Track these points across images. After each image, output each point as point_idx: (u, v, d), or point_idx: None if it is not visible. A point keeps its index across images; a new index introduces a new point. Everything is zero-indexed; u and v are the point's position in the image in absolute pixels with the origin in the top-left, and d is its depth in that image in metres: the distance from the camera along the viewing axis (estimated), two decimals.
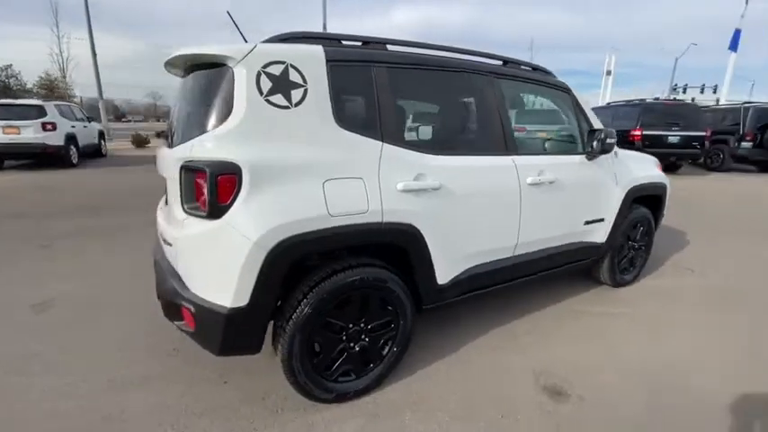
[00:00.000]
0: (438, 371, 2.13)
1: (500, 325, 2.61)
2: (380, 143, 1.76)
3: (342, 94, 1.69)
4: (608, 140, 2.47)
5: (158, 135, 16.19)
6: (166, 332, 2.38)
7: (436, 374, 2.10)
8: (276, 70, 1.56)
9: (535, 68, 2.52)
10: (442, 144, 2.12)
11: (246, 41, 1.96)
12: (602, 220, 2.81)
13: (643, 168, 3.12)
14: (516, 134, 2.31)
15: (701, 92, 32.27)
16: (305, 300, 1.63)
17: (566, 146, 2.61)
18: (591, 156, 2.59)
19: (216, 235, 1.48)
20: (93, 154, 11.37)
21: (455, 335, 2.45)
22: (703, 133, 9.88)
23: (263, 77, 1.54)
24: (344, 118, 1.69)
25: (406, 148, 1.83)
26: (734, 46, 14.58)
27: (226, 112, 1.52)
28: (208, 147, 1.48)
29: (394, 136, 1.81)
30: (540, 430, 1.75)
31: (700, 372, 2.17)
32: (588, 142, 2.59)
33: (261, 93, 1.53)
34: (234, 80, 1.52)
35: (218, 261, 1.51)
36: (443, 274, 2.02)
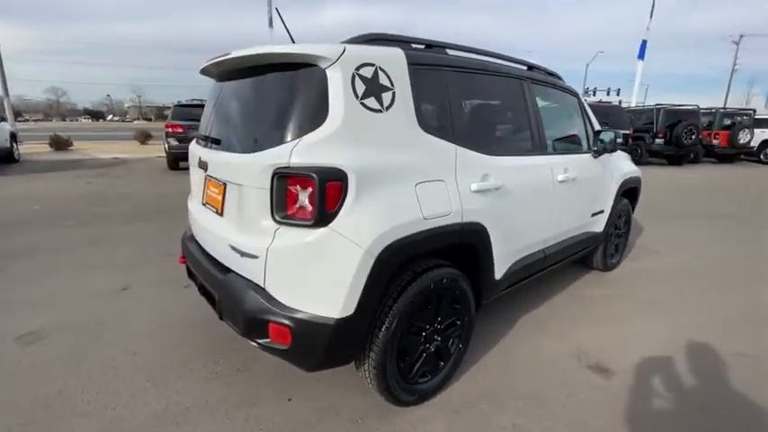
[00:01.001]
0: (489, 364, 2.22)
1: (525, 313, 2.79)
2: (454, 146, 1.80)
3: (421, 97, 1.70)
4: (617, 141, 2.75)
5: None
6: (194, 355, 2.21)
7: (489, 367, 2.19)
8: (368, 73, 1.53)
9: (551, 74, 2.72)
10: (498, 145, 2.21)
11: (294, 41, 1.89)
12: (602, 211, 3.13)
13: (627, 164, 3.52)
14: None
15: (608, 94, 36.52)
16: (396, 305, 1.62)
17: (576, 146, 2.86)
18: (597, 154, 2.87)
19: (322, 244, 1.41)
20: (4, 159, 9.78)
21: (487, 329, 2.56)
22: (628, 131, 11.25)
23: (357, 80, 1.49)
24: (425, 122, 1.70)
25: (473, 150, 1.89)
26: (641, 55, 16.73)
27: (321, 116, 1.45)
28: (310, 153, 1.41)
29: (464, 138, 1.86)
30: (603, 403, 1.92)
31: (701, 335, 2.52)
32: (595, 142, 2.86)
33: (356, 96, 1.49)
34: (328, 82, 1.46)
35: (325, 271, 1.44)
36: (499, 269, 2.12)
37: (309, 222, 1.41)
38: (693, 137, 12.07)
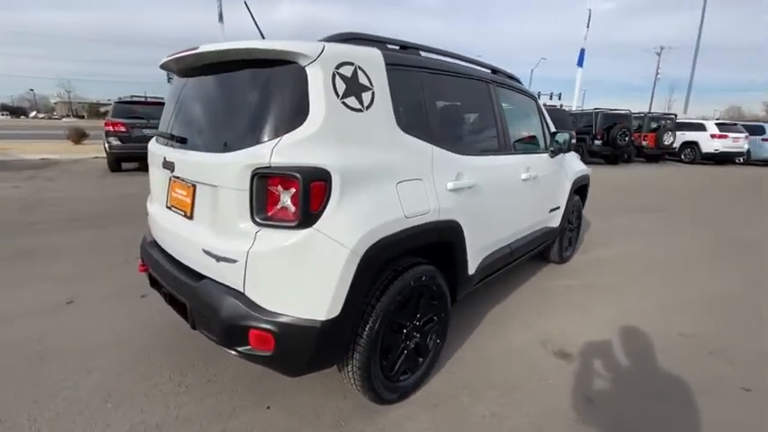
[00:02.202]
0: (464, 357, 2.29)
1: (494, 306, 2.91)
2: (431, 145, 1.84)
3: (398, 98, 1.71)
4: (572, 141, 2.95)
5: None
6: (157, 368, 2.07)
7: (464, 360, 2.26)
8: (348, 72, 1.51)
9: (511, 77, 2.86)
10: (468, 145, 2.28)
11: (264, 37, 1.84)
12: (558, 207, 3.34)
13: (578, 164, 3.79)
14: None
15: (551, 98, 39.10)
16: (379, 303, 1.63)
17: (535, 146, 3.03)
18: (554, 154, 3.06)
19: (306, 245, 1.38)
20: None
21: (460, 323, 2.64)
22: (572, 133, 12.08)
23: (338, 78, 1.48)
24: (402, 122, 1.72)
25: (447, 149, 1.94)
26: (580, 62, 18.04)
27: (301, 115, 1.42)
28: (292, 152, 1.37)
29: (439, 138, 1.90)
30: (570, 384, 2.06)
31: (648, 318, 2.78)
32: (551, 142, 3.05)
33: (337, 95, 1.47)
34: (307, 80, 1.43)
35: (310, 272, 1.40)
36: (472, 265, 2.19)
37: (293, 224, 1.37)
38: (627, 138, 13.23)
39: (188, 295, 1.62)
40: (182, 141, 1.73)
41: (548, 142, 3.10)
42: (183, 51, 1.67)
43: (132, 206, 5.70)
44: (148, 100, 9.43)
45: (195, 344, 2.25)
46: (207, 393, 1.93)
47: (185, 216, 1.72)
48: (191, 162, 1.63)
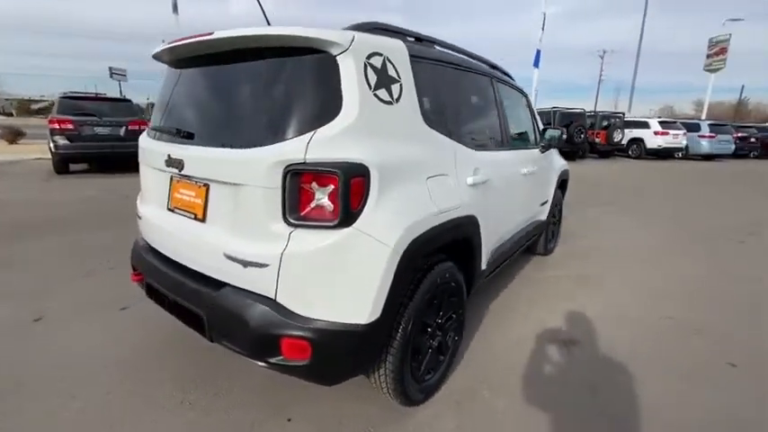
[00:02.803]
0: (474, 350, 2.30)
1: (494, 299, 2.95)
2: (451, 141, 1.81)
3: (421, 92, 1.67)
4: (561, 138, 3.05)
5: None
6: (155, 385, 1.90)
7: (475, 353, 2.27)
8: (377, 62, 1.44)
9: (506, 73, 2.90)
10: (480, 141, 2.28)
11: (270, 24, 1.73)
12: (547, 201, 3.45)
13: (560, 159, 3.93)
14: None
15: None
16: (411, 303, 1.58)
17: (527, 141, 3.10)
18: (544, 149, 3.15)
19: (347, 245, 1.30)
20: None
21: (467, 317, 2.65)
22: (562, 129, 12.68)
23: (369, 69, 1.40)
24: (426, 116, 1.68)
25: (464, 145, 1.92)
26: (536, 63, 18.86)
27: (334, 108, 1.33)
28: (328, 147, 1.28)
29: (457, 134, 1.88)
30: (584, 370, 2.13)
31: (635, 305, 2.94)
32: (542, 138, 3.14)
33: (369, 86, 1.40)
34: (339, 70, 1.35)
35: (350, 274, 1.33)
36: (484, 259, 2.20)
37: (331, 223, 1.28)
38: (582, 135, 14.03)
39: (206, 305, 1.48)
40: (188, 137, 1.58)
41: (538, 138, 3.19)
42: (190, 37, 1.52)
43: (93, 210, 5.22)
44: (99, 96, 8.69)
45: (192, 357, 2.09)
46: (217, 408, 1.79)
47: (195, 218, 1.57)
48: (206, 159, 1.48)
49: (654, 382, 2.06)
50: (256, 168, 1.32)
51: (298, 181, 1.29)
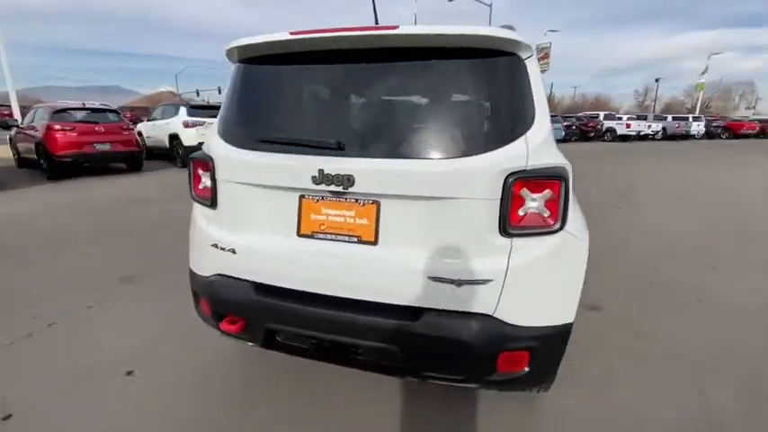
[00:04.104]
0: None
1: None
2: None
3: None
4: None
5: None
6: None
7: None
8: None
9: None
10: None
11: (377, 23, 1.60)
12: None
13: None
14: None
15: None
16: None
17: None
18: None
19: (561, 248, 1.30)
20: None
21: None
22: None
23: (540, 73, 1.42)
24: None
25: None
26: None
27: (530, 112, 1.31)
28: (543, 152, 1.26)
29: None
30: (606, 329, 2.51)
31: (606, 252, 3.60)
32: None
33: (543, 90, 1.41)
34: (528, 74, 1.33)
35: (564, 275, 1.34)
36: None
37: (550, 229, 1.28)
38: None
39: (401, 338, 1.30)
40: (339, 148, 1.32)
41: None
42: (358, 29, 1.26)
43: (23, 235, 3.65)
44: None
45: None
46: None
47: (359, 242, 1.34)
48: (384, 172, 1.27)
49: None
50: (472, 179, 1.22)
51: (516, 189, 1.24)
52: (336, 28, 1.30)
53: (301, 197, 1.40)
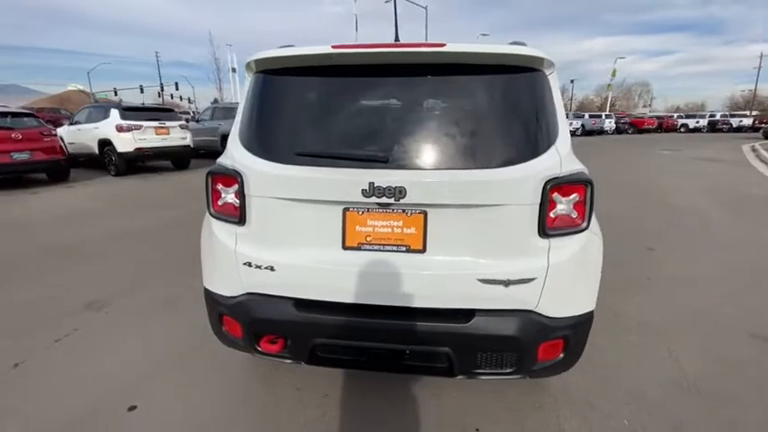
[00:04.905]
0: None
1: None
2: None
3: None
4: None
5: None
6: None
7: None
8: None
9: None
10: None
11: (398, 39, 1.68)
12: None
13: None
14: None
15: None
16: None
17: None
18: None
19: (587, 244, 1.45)
20: None
21: None
22: None
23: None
24: None
25: None
26: None
27: (554, 122, 1.44)
28: (571, 159, 1.41)
29: None
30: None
31: None
32: None
33: (562, 103, 1.56)
34: (551, 88, 1.46)
35: (589, 269, 1.49)
36: None
37: (580, 228, 1.43)
38: None
39: (453, 340, 1.37)
40: (383, 161, 1.35)
41: None
42: (407, 45, 1.31)
43: None
44: None
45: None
46: None
47: (408, 251, 1.39)
48: (434, 183, 1.32)
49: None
50: (518, 186, 1.33)
51: (550, 194, 1.37)
52: (383, 43, 1.34)
53: (345, 210, 1.41)
